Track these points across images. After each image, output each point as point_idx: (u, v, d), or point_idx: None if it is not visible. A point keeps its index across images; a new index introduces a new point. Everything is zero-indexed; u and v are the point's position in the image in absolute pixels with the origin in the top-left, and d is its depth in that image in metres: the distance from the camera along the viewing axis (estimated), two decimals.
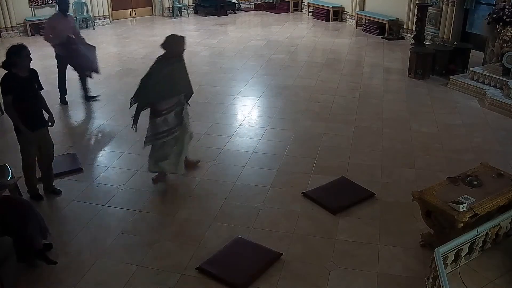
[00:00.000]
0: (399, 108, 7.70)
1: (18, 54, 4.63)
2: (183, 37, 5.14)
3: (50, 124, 5.04)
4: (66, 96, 7.81)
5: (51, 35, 7.36)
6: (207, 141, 6.58)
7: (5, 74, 4.67)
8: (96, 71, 7.69)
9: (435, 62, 9.16)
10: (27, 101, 4.77)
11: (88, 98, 7.88)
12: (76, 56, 7.37)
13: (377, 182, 5.53)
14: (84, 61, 7.47)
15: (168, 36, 5.13)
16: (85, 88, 7.84)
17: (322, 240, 4.55)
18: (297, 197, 5.23)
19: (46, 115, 5.06)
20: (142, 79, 5.08)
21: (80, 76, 7.77)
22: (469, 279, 3.88)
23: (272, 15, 15.14)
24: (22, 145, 4.92)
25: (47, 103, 5.14)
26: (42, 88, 5.02)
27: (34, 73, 4.88)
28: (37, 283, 4.03)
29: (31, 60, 4.78)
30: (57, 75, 7.69)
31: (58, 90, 7.76)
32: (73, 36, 7.39)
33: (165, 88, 5.05)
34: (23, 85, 4.71)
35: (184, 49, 5.14)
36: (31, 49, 4.82)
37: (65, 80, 7.74)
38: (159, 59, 5.09)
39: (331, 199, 5.14)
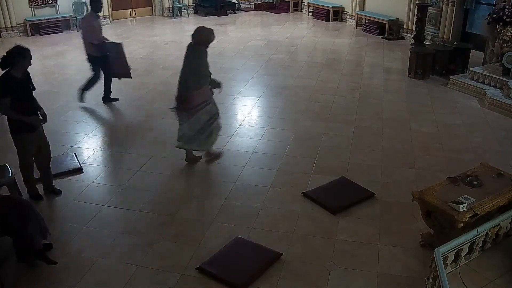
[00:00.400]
0: (399, 108, 7.70)
1: (24, 56, 4.63)
2: (212, 29, 5.60)
3: (43, 120, 4.97)
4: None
5: (91, 34, 7.37)
6: None
7: (2, 75, 4.66)
8: (129, 76, 7.76)
9: (435, 62, 9.16)
10: (25, 101, 4.76)
11: (109, 100, 7.85)
12: (107, 56, 7.46)
13: (377, 182, 5.53)
14: (114, 62, 7.55)
15: (198, 28, 5.53)
16: (108, 90, 7.83)
17: (322, 240, 4.55)
18: (297, 197, 5.23)
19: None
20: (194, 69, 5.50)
21: (106, 77, 7.74)
22: (469, 279, 3.88)
23: (272, 15, 15.14)
24: (22, 145, 4.90)
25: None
26: (34, 89, 4.98)
27: (27, 73, 4.85)
28: (37, 283, 4.03)
29: (31, 64, 4.78)
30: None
31: (84, 87, 7.68)
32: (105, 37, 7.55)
33: (207, 71, 5.57)
34: (21, 85, 4.71)
35: (213, 40, 5.60)
36: (31, 49, 4.82)
37: (97, 82, 7.72)
38: (196, 48, 5.48)
39: (331, 199, 5.14)
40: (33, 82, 4.96)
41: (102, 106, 7.73)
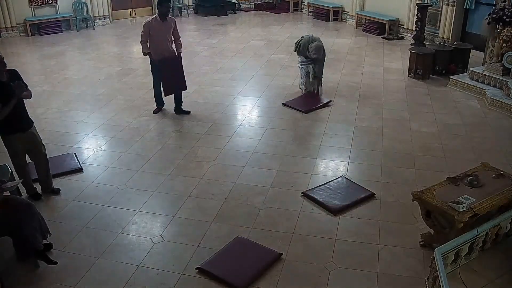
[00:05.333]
0: (399, 108, 7.70)
1: None
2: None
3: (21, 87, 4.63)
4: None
5: None
6: (207, 141, 6.58)
7: None
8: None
9: (435, 62, 9.16)
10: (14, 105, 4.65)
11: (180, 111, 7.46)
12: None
13: (377, 182, 5.53)
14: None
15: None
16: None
17: (322, 240, 4.55)
18: (297, 197, 5.24)
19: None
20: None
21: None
22: (469, 279, 3.88)
23: (272, 15, 15.14)
24: (11, 147, 4.87)
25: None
26: (25, 85, 4.80)
27: (15, 74, 4.75)
28: (37, 283, 4.03)
29: (5, 64, 4.61)
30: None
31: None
32: None
33: None
34: (7, 88, 4.57)
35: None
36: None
37: None
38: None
39: (331, 199, 5.14)
40: (33, 81, 4.91)
41: (102, 106, 7.73)
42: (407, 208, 4.95)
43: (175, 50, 7.16)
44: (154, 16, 7.12)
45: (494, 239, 4.18)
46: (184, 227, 4.75)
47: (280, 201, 5.17)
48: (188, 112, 7.41)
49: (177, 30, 7.17)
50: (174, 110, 7.43)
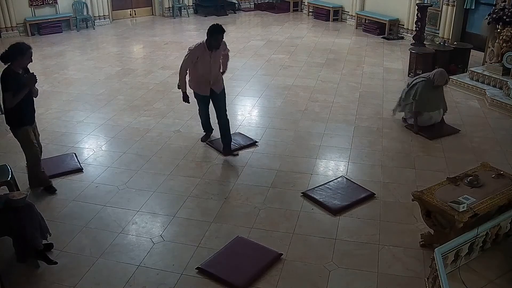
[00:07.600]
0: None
1: (22, 53, 4.69)
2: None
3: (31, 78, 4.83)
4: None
5: None
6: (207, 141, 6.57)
7: (4, 71, 4.71)
8: None
9: (435, 62, 9.16)
10: (26, 96, 4.83)
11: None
12: None
13: (377, 182, 5.53)
14: None
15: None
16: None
17: (322, 240, 4.55)
18: (297, 197, 5.23)
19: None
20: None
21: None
22: (469, 279, 3.88)
23: (272, 15, 15.14)
24: (28, 136, 4.97)
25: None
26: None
27: (27, 70, 4.93)
28: (37, 283, 4.03)
29: (31, 61, 4.86)
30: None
31: None
32: None
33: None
34: (21, 81, 4.76)
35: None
36: None
37: None
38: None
39: (331, 199, 5.14)
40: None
41: (103, 106, 7.72)
42: (407, 208, 4.95)
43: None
44: (200, 43, 5.79)
45: (494, 239, 4.18)
46: (184, 227, 4.75)
47: (280, 201, 5.17)
48: (236, 154, 6.18)
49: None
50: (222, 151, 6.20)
